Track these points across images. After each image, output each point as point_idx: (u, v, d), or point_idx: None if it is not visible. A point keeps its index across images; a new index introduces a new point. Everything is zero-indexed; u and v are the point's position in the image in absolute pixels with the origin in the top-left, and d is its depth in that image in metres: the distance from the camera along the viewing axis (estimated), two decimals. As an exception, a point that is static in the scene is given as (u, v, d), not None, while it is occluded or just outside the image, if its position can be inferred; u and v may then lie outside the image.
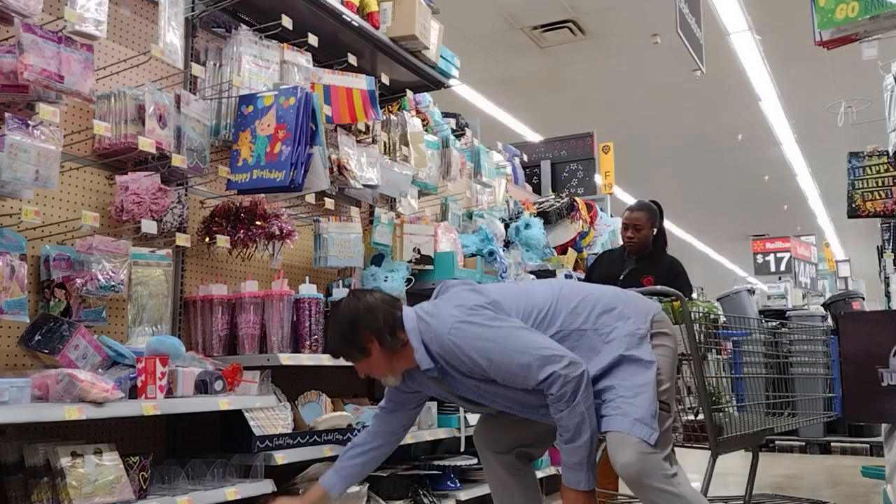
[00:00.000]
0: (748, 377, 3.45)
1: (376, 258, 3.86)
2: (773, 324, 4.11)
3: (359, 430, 3.17)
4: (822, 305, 8.08)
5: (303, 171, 2.96)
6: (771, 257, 12.71)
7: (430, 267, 4.01)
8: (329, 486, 2.51)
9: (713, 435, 2.97)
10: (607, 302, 2.33)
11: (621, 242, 4.15)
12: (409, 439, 3.48)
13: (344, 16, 3.52)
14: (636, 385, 2.19)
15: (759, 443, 3.49)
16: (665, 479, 2.13)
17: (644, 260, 3.91)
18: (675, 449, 3.84)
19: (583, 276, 5.85)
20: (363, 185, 3.63)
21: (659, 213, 4.01)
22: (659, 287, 3.08)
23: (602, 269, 4.03)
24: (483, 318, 2.21)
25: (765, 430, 3.39)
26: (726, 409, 3.15)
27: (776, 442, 7.27)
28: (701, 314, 3.05)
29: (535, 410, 2.30)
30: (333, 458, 3.07)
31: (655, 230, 3.98)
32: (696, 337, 2.97)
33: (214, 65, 3.22)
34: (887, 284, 6.87)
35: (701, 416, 3.01)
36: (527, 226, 5.33)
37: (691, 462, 3.92)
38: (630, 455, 2.12)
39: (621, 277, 3.85)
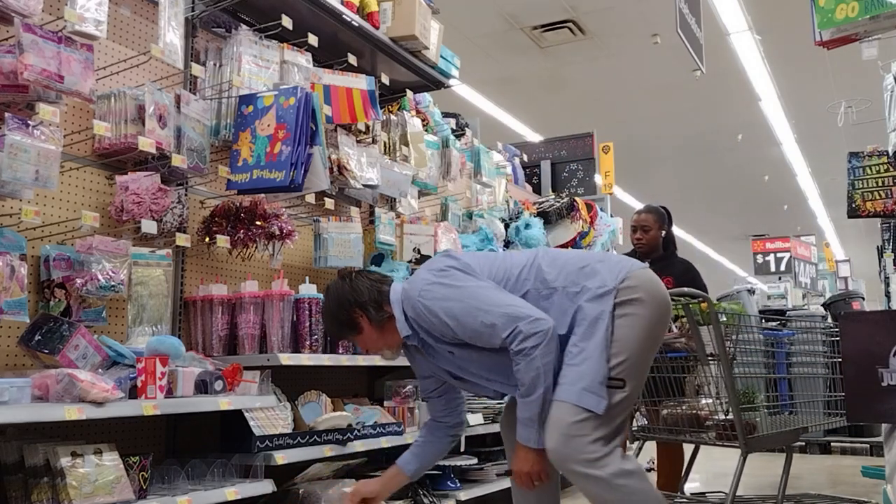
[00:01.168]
0: (797, 377, 3.48)
1: (376, 258, 3.86)
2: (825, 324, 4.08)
3: (359, 430, 3.18)
4: (822, 305, 8.08)
5: (303, 171, 2.96)
6: (771, 257, 12.70)
7: (430, 267, 4.00)
8: (403, 465, 2.48)
9: (742, 434, 3.02)
10: (579, 261, 2.25)
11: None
12: (408, 439, 3.48)
13: (344, 16, 3.52)
14: (582, 349, 2.11)
15: (793, 441, 3.52)
16: (587, 464, 2.03)
17: (658, 263, 3.93)
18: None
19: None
20: (363, 185, 3.63)
21: (667, 217, 4.02)
22: (686, 289, 3.12)
23: None
24: (451, 279, 2.21)
25: (798, 428, 3.43)
26: (759, 409, 3.19)
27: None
28: (729, 315, 3.10)
29: (510, 380, 2.22)
30: (333, 458, 3.08)
31: (664, 233, 3.99)
32: (725, 337, 3.00)
33: (214, 65, 3.22)
34: (887, 284, 6.87)
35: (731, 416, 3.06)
36: (527, 226, 5.34)
37: (695, 460, 3.92)
38: (554, 438, 2.08)
39: None
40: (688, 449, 3.88)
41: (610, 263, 2.25)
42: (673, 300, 3.08)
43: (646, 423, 3.43)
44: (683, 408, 3.23)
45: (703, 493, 4.02)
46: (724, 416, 3.10)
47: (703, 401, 3.27)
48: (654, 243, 3.96)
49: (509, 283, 2.24)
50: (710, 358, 3.03)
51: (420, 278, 2.27)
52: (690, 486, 3.97)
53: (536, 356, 2.08)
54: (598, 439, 2.05)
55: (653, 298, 2.20)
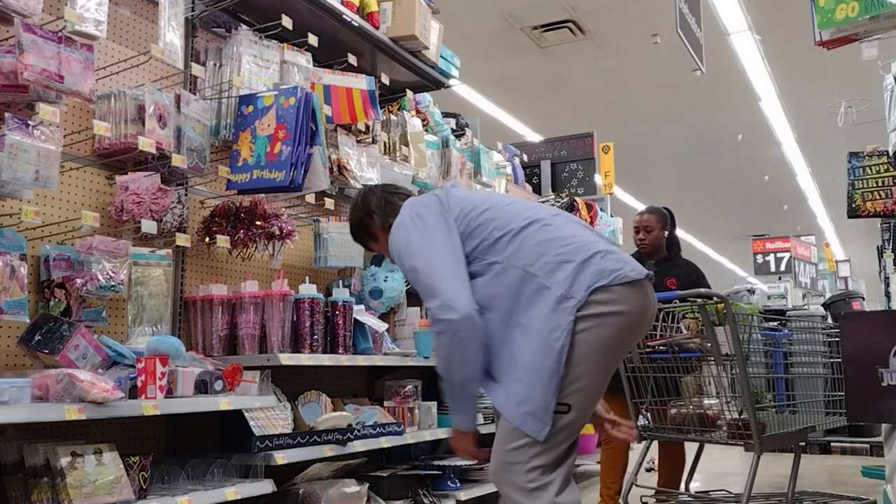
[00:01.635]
0: (797, 377, 3.49)
1: (376, 258, 3.86)
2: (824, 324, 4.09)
3: (359, 430, 3.17)
4: (822, 305, 8.08)
5: (303, 171, 2.96)
6: (771, 257, 12.69)
7: (430, 267, 4.00)
8: None
9: (757, 433, 3.03)
10: (563, 246, 1.96)
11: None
12: (408, 439, 3.48)
13: (344, 16, 3.53)
14: (532, 364, 1.91)
15: (802, 440, 3.56)
16: (520, 492, 1.92)
17: (663, 263, 3.94)
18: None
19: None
20: (363, 185, 3.63)
21: (670, 218, 4.03)
22: (703, 290, 3.12)
23: None
24: (415, 226, 2.08)
25: (807, 427, 3.46)
26: (768, 409, 3.20)
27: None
28: (745, 315, 3.11)
29: None
30: (333, 458, 3.08)
31: (667, 233, 3.99)
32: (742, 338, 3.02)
33: (214, 65, 3.22)
34: (887, 284, 6.87)
35: (745, 415, 3.07)
36: (527, 226, 5.33)
37: (699, 459, 3.92)
38: (494, 461, 1.99)
39: None
40: (690, 449, 3.89)
41: (591, 268, 1.93)
42: (688, 301, 3.10)
43: (646, 422, 3.43)
44: (691, 407, 3.24)
45: (707, 492, 4.03)
46: (736, 416, 3.11)
47: (707, 401, 3.28)
48: (656, 244, 3.96)
49: (469, 220, 2.07)
50: (724, 358, 3.04)
51: (406, 208, 2.18)
52: (692, 486, 3.98)
53: (441, 345, 1.96)
54: (537, 468, 1.91)
55: (626, 314, 1.93)
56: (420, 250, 2.04)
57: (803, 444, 3.62)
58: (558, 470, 1.95)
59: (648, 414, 3.40)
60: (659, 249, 3.98)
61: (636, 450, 3.79)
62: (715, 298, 3.04)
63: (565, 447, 1.97)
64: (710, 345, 3.08)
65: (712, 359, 3.12)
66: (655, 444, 3.70)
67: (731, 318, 2.99)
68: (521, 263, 1.98)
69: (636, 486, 3.41)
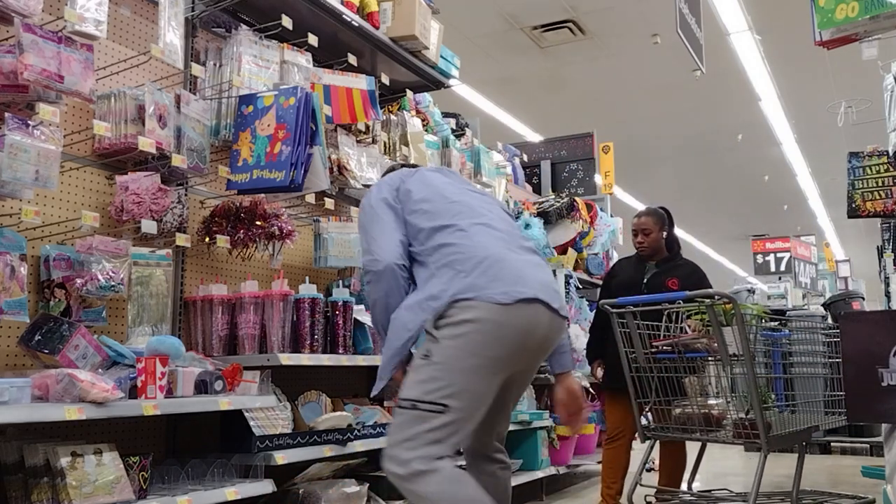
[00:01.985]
0: (797, 377, 3.50)
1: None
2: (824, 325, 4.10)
3: (358, 430, 3.17)
4: (822, 305, 8.08)
5: (303, 171, 2.96)
6: (771, 257, 12.70)
7: (430, 267, 4.00)
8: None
9: (764, 432, 3.03)
10: (463, 246, 2.13)
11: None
12: (409, 439, 3.47)
13: (344, 16, 3.53)
14: (389, 342, 2.14)
15: (806, 440, 3.57)
16: (401, 467, 1.95)
17: (664, 264, 3.94)
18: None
19: (583, 275, 5.87)
20: (363, 185, 3.63)
21: (668, 218, 4.03)
22: (711, 290, 3.14)
23: (622, 276, 4.03)
24: (374, 204, 2.29)
25: (811, 427, 3.48)
26: (772, 409, 3.22)
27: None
28: (752, 315, 3.11)
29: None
30: (333, 458, 3.08)
31: (666, 234, 3.99)
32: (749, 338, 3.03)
33: (214, 65, 3.22)
34: (887, 284, 6.88)
35: (751, 415, 3.08)
36: (527, 226, 5.34)
37: (702, 458, 3.93)
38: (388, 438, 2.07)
39: (645, 281, 3.87)
40: (692, 449, 3.89)
41: (465, 281, 2.05)
42: (695, 301, 3.11)
43: (646, 422, 3.43)
44: (695, 407, 3.24)
45: (709, 491, 4.04)
46: (743, 415, 3.12)
47: (710, 400, 3.28)
48: (656, 245, 3.96)
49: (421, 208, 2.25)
50: (732, 358, 3.04)
51: (375, 185, 2.38)
52: (693, 485, 3.98)
53: (370, 294, 2.20)
54: (412, 460, 1.95)
55: (484, 329, 2.00)
56: (369, 231, 2.26)
57: (805, 443, 3.63)
58: (438, 462, 1.96)
59: (650, 414, 3.41)
60: (659, 251, 3.98)
61: (637, 450, 3.80)
62: (723, 299, 3.05)
63: (449, 444, 1.98)
64: (716, 345, 3.09)
65: (719, 358, 3.13)
66: (657, 443, 3.71)
67: (740, 319, 3.00)
68: (424, 258, 2.18)
69: (640, 485, 3.42)
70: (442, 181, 2.36)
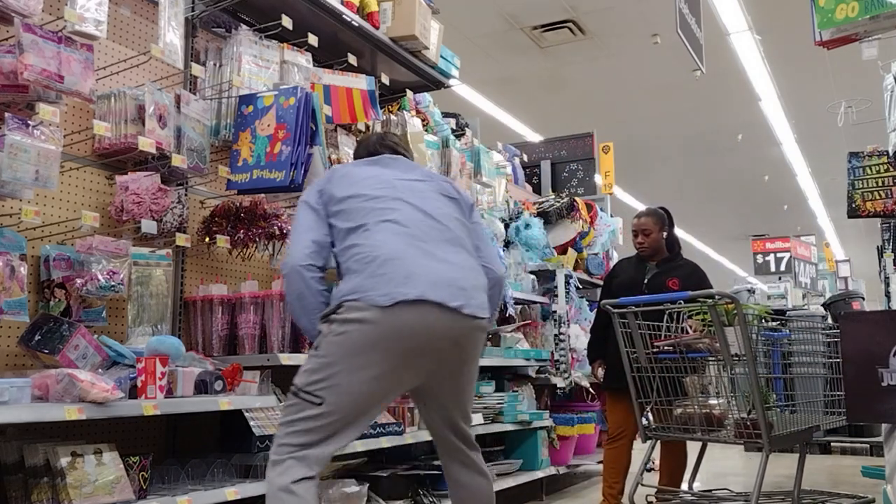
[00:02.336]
0: (797, 376, 3.51)
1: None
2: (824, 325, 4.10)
3: (359, 430, 3.17)
4: (822, 305, 8.08)
5: (303, 171, 2.96)
6: (771, 257, 12.70)
7: (430, 267, 4.00)
8: None
9: (766, 432, 3.03)
10: (365, 246, 2.14)
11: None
12: (408, 439, 3.48)
13: (344, 16, 3.52)
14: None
15: (807, 440, 3.58)
16: (273, 452, 2.05)
17: (665, 264, 3.94)
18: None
19: (583, 275, 5.87)
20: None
21: (668, 218, 4.03)
22: (714, 290, 3.14)
23: (623, 276, 4.04)
24: (304, 195, 2.33)
25: (812, 426, 3.48)
26: (774, 408, 3.23)
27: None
28: (754, 315, 3.12)
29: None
30: (334, 458, 3.07)
31: (666, 234, 3.99)
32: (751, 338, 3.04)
33: (214, 65, 3.22)
34: (887, 284, 6.87)
35: (753, 415, 3.08)
36: (527, 226, 5.33)
37: (703, 458, 3.93)
38: None
39: (645, 281, 3.87)
40: (692, 449, 3.89)
41: (354, 281, 2.09)
42: (698, 301, 3.11)
43: (646, 422, 3.43)
44: (697, 407, 3.24)
45: (710, 490, 4.04)
46: (745, 415, 3.12)
47: (712, 400, 3.29)
48: (656, 245, 3.96)
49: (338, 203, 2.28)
50: (734, 358, 3.04)
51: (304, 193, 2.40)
52: (693, 485, 3.99)
53: (285, 290, 2.25)
54: (283, 445, 2.03)
55: (367, 329, 2.02)
56: (290, 235, 2.34)
57: (806, 443, 3.64)
58: (304, 452, 2.02)
59: (649, 414, 3.40)
60: (659, 251, 3.98)
61: (639, 450, 3.79)
62: (725, 299, 3.05)
63: (319, 439, 2.04)
64: (718, 345, 3.09)
65: (721, 358, 3.13)
66: (657, 443, 3.71)
67: (742, 319, 3.00)
68: (340, 260, 2.21)
69: (641, 485, 3.42)
70: (368, 175, 2.31)
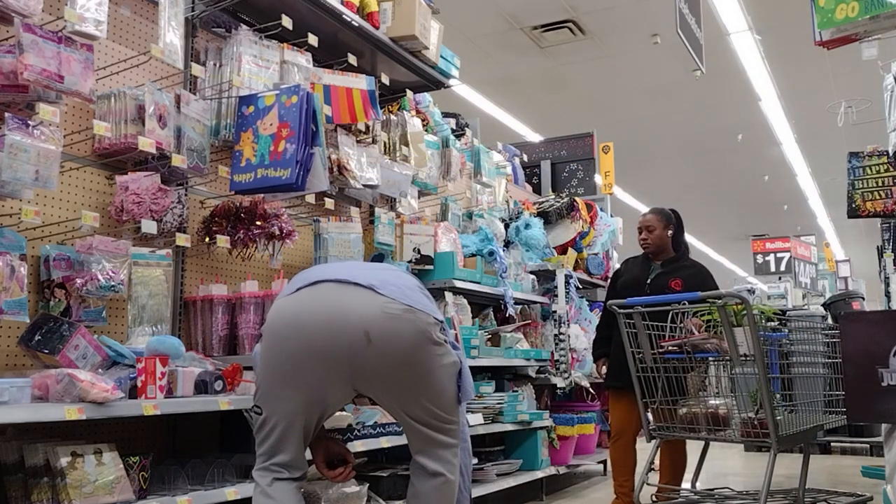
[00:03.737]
0: (797, 376, 3.52)
1: (376, 258, 3.86)
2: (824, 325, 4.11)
3: (359, 430, 3.17)
4: (822, 305, 8.07)
5: (306, 170, 2.96)
6: (771, 257, 12.69)
7: (430, 267, 4.01)
8: None
9: (774, 431, 3.03)
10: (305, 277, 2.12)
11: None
12: (409, 439, 3.47)
13: (344, 16, 3.52)
14: None
15: (812, 439, 3.60)
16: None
17: (669, 264, 3.95)
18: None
19: (583, 275, 5.87)
20: (363, 185, 3.63)
21: (675, 219, 4.03)
22: (723, 291, 3.14)
23: (628, 275, 4.05)
24: None
25: (817, 426, 3.50)
26: (779, 408, 3.24)
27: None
28: (761, 316, 3.12)
29: None
30: (333, 458, 3.07)
31: (671, 233, 3.99)
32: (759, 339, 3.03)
33: (214, 65, 3.22)
34: (887, 284, 6.87)
35: (761, 414, 3.09)
36: (527, 226, 5.34)
37: (705, 457, 3.92)
38: None
39: (648, 281, 3.88)
40: (693, 450, 3.90)
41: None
42: (707, 301, 3.11)
43: (648, 422, 3.43)
44: (701, 406, 3.24)
45: (712, 490, 4.04)
46: (752, 415, 3.12)
47: (713, 400, 3.29)
48: (659, 243, 3.96)
49: None
50: (742, 358, 3.04)
51: None
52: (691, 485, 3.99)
53: None
54: (257, 455, 2.13)
55: (270, 334, 2.04)
56: None
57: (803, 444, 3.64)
58: (267, 461, 2.10)
59: (649, 414, 3.40)
60: (664, 249, 3.98)
61: (643, 449, 3.79)
62: (734, 299, 3.05)
63: (271, 445, 2.09)
64: (726, 345, 3.09)
65: (728, 359, 3.13)
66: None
67: (751, 319, 3.00)
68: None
69: (647, 485, 3.42)
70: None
